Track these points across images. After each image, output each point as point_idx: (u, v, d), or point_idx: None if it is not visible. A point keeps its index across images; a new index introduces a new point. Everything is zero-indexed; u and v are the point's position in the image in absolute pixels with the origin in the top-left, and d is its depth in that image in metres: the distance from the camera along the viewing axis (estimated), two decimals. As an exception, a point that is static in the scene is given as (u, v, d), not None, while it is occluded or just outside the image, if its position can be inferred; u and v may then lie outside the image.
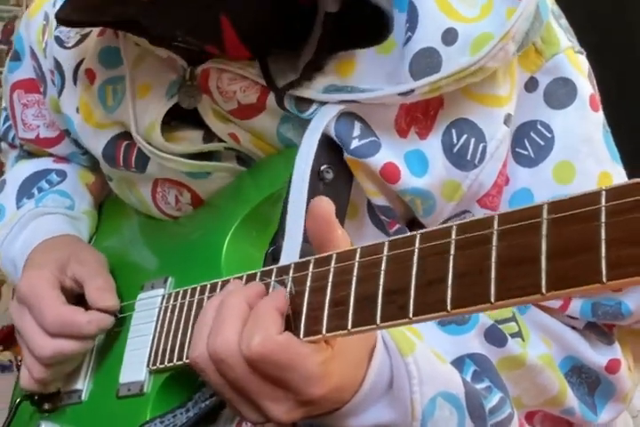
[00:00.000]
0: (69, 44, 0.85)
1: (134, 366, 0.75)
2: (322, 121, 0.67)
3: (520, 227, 0.43)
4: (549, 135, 0.70)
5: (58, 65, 0.86)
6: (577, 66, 0.71)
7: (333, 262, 0.55)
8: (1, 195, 0.98)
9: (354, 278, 0.52)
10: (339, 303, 0.53)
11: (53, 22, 0.85)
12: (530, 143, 0.71)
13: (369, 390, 0.59)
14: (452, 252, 0.46)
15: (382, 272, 0.50)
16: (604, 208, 0.39)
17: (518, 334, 0.71)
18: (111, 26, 0.78)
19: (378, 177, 0.68)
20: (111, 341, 0.82)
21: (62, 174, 0.98)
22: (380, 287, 0.50)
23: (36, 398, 0.84)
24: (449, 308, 0.45)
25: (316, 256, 0.56)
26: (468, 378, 0.66)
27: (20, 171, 0.99)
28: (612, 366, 0.73)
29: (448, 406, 0.61)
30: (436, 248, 0.47)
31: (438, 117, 0.69)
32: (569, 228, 0.40)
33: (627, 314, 0.70)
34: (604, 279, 0.38)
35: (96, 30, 0.82)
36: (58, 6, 0.85)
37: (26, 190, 0.96)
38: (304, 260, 0.57)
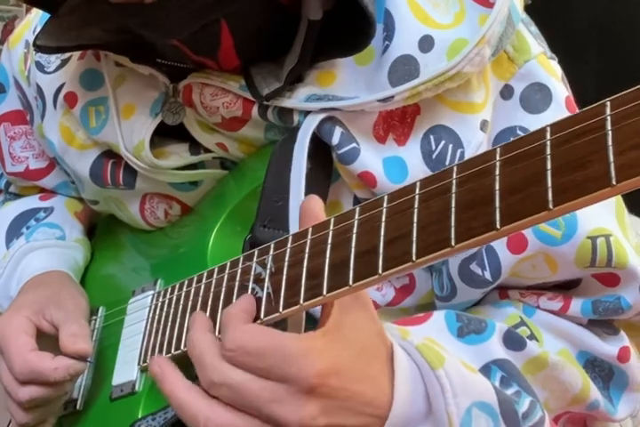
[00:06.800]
0: (50, 69, 0.87)
1: (126, 367, 0.76)
2: (307, 131, 0.69)
3: (476, 172, 0.45)
4: None
5: (39, 90, 0.88)
6: (550, 70, 0.73)
7: (310, 235, 0.57)
8: None
9: (328, 246, 0.54)
10: (315, 272, 0.55)
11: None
12: None
13: (406, 406, 0.56)
14: (416, 206, 0.48)
15: (354, 235, 0.52)
16: (548, 142, 0.41)
17: (532, 337, 0.72)
18: (90, 48, 0.80)
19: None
20: (104, 348, 0.83)
21: (49, 210, 0.98)
22: (352, 250, 0.52)
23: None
24: (414, 258, 0.47)
25: (294, 232, 0.59)
26: (497, 384, 0.65)
27: (7, 212, 1.00)
28: (624, 354, 0.74)
29: (484, 416, 0.59)
30: (402, 205, 0.50)
31: (416, 124, 0.71)
32: (519, 165, 0.43)
33: (626, 308, 0.72)
34: (551, 206, 0.40)
35: (76, 54, 0.84)
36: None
37: (15, 231, 0.97)
38: (283, 237, 0.59)
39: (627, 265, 0.70)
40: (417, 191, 0.49)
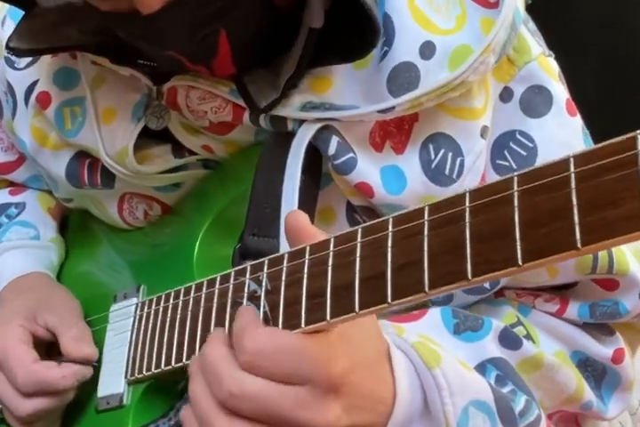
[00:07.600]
0: (20, 66, 0.82)
1: (112, 379, 0.74)
2: (302, 140, 0.66)
3: (492, 201, 0.43)
4: (531, 145, 0.69)
5: (9, 87, 0.83)
6: (549, 71, 0.70)
7: (307, 255, 0.54)
8: None
9: (329, 268, 0.52)
10: (316, 294, 0.52)
11: (2, 42, 0.80)
12: (510, 154, 0.69)
13: (407, 404, 0.56)
14: (426, 232, 0.46)
15: (358, 259, 0.50)
16: (573, 174, 0.39)
17: (528, 337, 0.71)
18: (66, 50, 0.75)
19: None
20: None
21: (21, 206, 0.94)
22: (357, 275, 0.50)
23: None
24: (427, 289, 0.45)
25: (290, 250, 0.56)
26: (492, 383, 0.64)
27: None
28: (618, 356, 0.73)
29: (481, 415, 0.59)
30: (410, 230, 0.47)
31: (414, 131, 0.68)
32: (540, 197, 0.40)
33: (624, 313, 0.71)
34: (579, 245, 0.38)
35: None
36: (6, 27, 0.83)
37: None
38: (278, 255, 0.57)
39: (628, 272, 0.69)
40: (426, 217, 0.46)
